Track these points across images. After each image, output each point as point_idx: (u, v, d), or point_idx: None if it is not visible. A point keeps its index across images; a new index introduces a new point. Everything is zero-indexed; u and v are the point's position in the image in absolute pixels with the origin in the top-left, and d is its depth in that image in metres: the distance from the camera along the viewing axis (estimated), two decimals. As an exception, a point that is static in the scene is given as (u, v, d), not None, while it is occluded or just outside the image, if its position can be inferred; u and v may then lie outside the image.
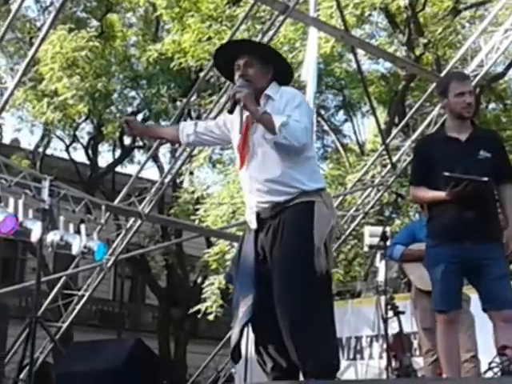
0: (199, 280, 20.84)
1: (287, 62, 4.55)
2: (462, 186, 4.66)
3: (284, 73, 4.40)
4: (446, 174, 4.70)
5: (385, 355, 8.35)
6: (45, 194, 8.51)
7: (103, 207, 10.34)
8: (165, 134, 4.79)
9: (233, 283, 4.34)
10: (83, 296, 12.06)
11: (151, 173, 21.90)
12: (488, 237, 4.78)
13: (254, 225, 4.19)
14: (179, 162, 11.82)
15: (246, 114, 4.18)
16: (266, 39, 10.67)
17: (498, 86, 18.53)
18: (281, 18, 10.68)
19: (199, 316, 16.42)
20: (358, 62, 11.57)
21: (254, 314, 4.06)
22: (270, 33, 10.73)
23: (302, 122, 4.07)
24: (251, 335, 4.29)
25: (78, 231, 10.11)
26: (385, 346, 9.75)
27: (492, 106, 20.01)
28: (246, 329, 4.14)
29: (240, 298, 4.14)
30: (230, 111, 4.15)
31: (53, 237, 9.44)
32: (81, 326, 18.08)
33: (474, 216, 4.75)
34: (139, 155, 22.00)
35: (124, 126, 4.56)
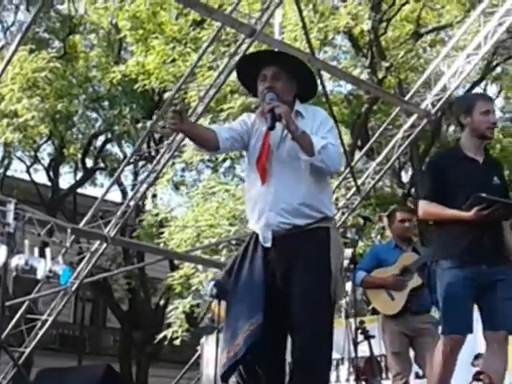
0: (162, 303, 20.75)
1: (314, 77, 4.38)
2: (492, 209, 4.62)
3: (308, 89, 4.27)
4: (483, 195, 4.63)
5: (352, 378, 8.33)
6: (10, 218, 8.36)
7: (69, 230, 10.21)
8: (202, 136, 4.07)
9: (223, 296, 4.21)
10: (47, 320, 11.88)
11: (113, 195, 21.73)
12: (501, 259, 4.77)
13: (269, 243, 4.03)
14: (145, 185, 11.72)
15: (264, 126, 3.99)
16: (232, 63, 10.68)
17: (458, 110, 18.76)
18: (247, 40, 10.70)
19: (165, 342, 16.21)
20: (323, 85, 11.61)
21: (261, 336, 3.89)
22: (237, 57, 10.70)
23: (337, 146, 4.01)
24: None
25: (42, 255, 9.98)
26: (351, 369, 9.77)
27: (451, 128, 20.25)
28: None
29: (242, 316, 3.97)
30: (271, 127, 3.89)
31: (17, 261, 9.30)
32: (41, 350, 17.79)
33: (491, 239, 4.73)
34: (101, 177, 21.96)
35: (172, 116, 3.73)
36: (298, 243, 3.98)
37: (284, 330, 4.01)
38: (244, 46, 10.62)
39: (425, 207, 4.90)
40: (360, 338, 7.09)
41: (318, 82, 15.56)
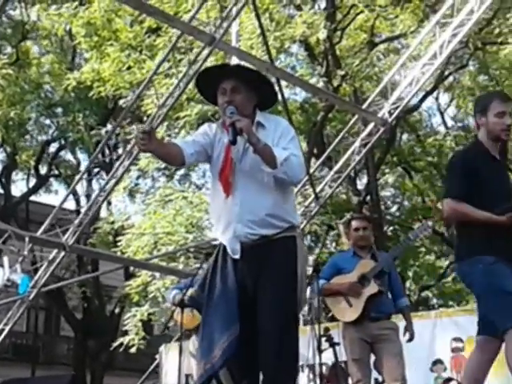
0: (117, 310, 20.61)
1: (273, 88, 4.41)
2: None
3: (268, 97, 4.31)
4: None
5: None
6: (-32, 227, 8.28)
7: (27, 239, 10.09)
8: (169, 153, 4.09)
9: (198, 310, 4.24)
10: (3, 330, 11.72)
11: (66, 203, 21.58)
12: None
13: (237, 255, 4.07)
14: (104, 193, 11.63)
15: (226, 139, 4.05)
16: (191, 72, 10.67)
17: (411, 118, 19.06)
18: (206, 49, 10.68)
19: (121, 349, 16.06)
20: (282, 93, 11.67)
21: (237, 347, 3.95)
22: (196, 66, 10.67)
23: (299, 156, 4.03)
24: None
25: (-1, 264, 9.88)
26: (311, 375, 9.79)
27: (405, 136, 20.54)
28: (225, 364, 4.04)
29: (218, 328, 4.02)
30: (233, 142, 3.94)
31: (-25, 270, 9.22)
32: (-8, 360, 17.62)
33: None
34: (56, 184, 21.80)
35: (142, 137, 3.76)
36: (265, 253, 4.02)
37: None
38: (203, 54, 10.61)
39: (454, 206, 4.68)
40: (325, 345, 7.13)
41: (277, 90, 15.75)
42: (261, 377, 4.07)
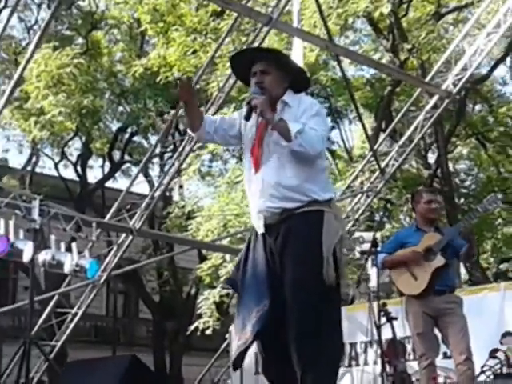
0: (193, 292, 20.85)
1: (303, 70, 4.52)
2: None
3: (300, 81, 4.37)
4: None
5: (379, 361, 8.37)
6: (35, 214, 8.50)
7: (94, 224, 10.32)
8: (196, 118, 4.29)
9: (236, 289, 4.30)
10: (77, 314, 12.02)
11: (142, 187, 21.86)
12: None
13: (261, 229, 4.13)
14: (168, 177, 11.78)
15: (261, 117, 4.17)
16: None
17: (482, 88, 18.66)
18: (265, 29, 10.73)
19: (198, 333, 16.21)
20: (342, 70, 11.59)
21: (268, 322, 3.99)
22: (255, 44, 10.73)
23: (318, 129, 4.06)
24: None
25: (69, 249, 10.13)
26: (379, 351, 9.80)
27: (478, 107, 20.14)
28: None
29: (250, 304, 4.06)
30: (246, 117, 4.13)
31: (44, 256, 9.48)
32: (76, 342, 17.98)
33: None
34: (135, 170, 22.10)
35: (181, 84, 4.18)
36: (288, 227, 4.05)
37: None
38: (262, 35, 10.65)
39: None
40: (383, 320, 7.10)
41: (337, 67, 15.64)
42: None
